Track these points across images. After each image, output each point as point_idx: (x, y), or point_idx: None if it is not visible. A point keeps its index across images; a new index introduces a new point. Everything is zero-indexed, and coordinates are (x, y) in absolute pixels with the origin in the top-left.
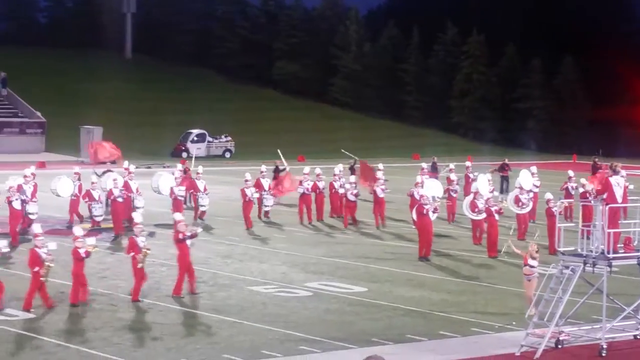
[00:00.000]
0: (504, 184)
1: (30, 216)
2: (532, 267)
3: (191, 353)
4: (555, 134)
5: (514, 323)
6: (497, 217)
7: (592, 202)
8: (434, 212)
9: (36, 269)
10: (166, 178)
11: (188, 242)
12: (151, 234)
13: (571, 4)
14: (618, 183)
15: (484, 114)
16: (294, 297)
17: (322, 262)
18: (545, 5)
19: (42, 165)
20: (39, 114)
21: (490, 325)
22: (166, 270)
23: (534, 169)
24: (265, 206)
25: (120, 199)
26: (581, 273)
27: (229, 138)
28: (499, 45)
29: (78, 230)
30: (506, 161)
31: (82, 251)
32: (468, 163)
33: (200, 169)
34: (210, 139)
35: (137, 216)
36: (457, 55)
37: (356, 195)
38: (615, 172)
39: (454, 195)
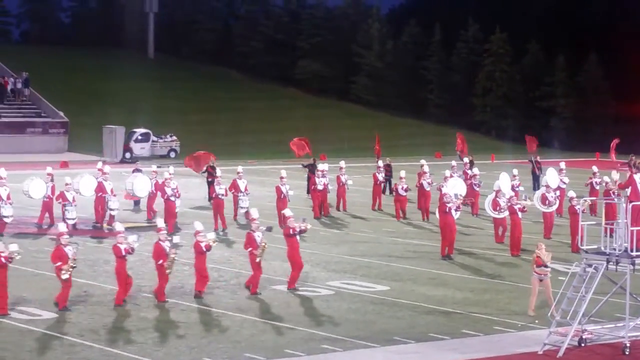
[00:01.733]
0: (535, 182)
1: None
2: (546, 267)
3: (214, 352)
4: (578, 132)
5: (536, 322)
6: (520, 215)
7: (616, 200)
8: (456, 210)
9: (160, 261)
10: (141, 179)
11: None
12: (269, 229)
13: (595, 0)
14: None
15: (507, 112)
16: (316, 296)
17: (345, 261)
18: (569, 2)
19: (65, 165)
20: (61, 113)
21: (513, 324)
22: (189, 270)
23: (562, 164)
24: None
25: (172, 198)
26: (604, 271)
27: (174, 137)
28: (522, 42)
29: (119, 225)
30: (538, 159)
31: (122, 247)
32: (466, 159)
33: (240, 168)
34: (155, 139)
35: (254, 212)
36: (479, 53)
37: (406, 190)
38: (639, 169)
39: (477, 189)
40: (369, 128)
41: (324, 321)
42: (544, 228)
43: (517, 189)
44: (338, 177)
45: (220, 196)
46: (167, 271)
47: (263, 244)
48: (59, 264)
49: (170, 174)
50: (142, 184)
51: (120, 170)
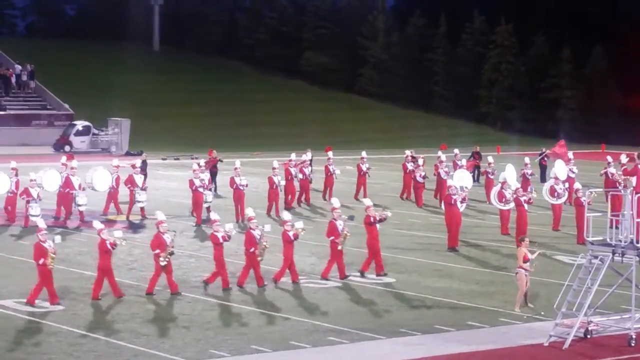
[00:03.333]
0: (543, 174)
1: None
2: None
3: (220, 344)
4: (584, 124)
5: (542, 313)
6: (526, 207)
7: (622, 191)
8: (462, 202)
9: (252, 249)
10: (101, 173)
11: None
12: (351, 218)
13: None
14: None
15: (513, 103)
16: (322, 288)
17: (350, 253)
18: None
19: (70, 157)
20: (67, 106)
21: (519, 316)
22: (195, 262)
23: (570, 154)
24: (138, 202)
25: (201, 189)
26: (610, 263)
27: (116, 130)
28: (528, 34)
29: (215, 215)
30: (544, 151)
31: (219, 235)
32: (456, 150)
33: (238, 162)
34: (96, 132)
35: (335, 202)
36: (485, 44)
37: (424, 177)
38: None
39: (491, 177)
40: (375, 120)
41: (330, 313)
42: (552, 220)
43: (528, 177)
44: (326, 167)
45: (241, 187)
46: (259, 258)
47: (345, 232)
48: (157, 251)
49: (200, 166)
50: (102, 179)
51: (124, 162)
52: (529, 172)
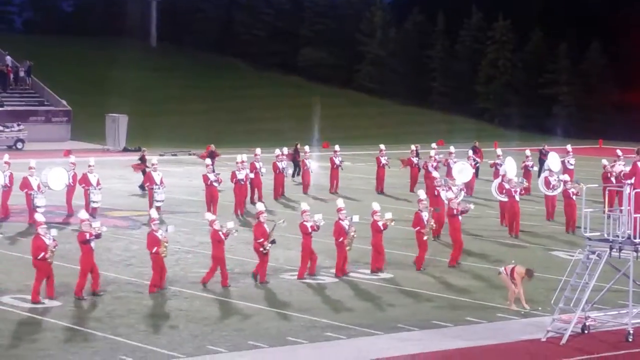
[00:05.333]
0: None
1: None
2: None
3: (217, 340)
4: (581, 120)
5: (539, 309)
6: (517, 197)
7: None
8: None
9: (340, 239)
10: (56, 172)
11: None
12: (436, 210)
13: None
14: None
15: (510, 99)
16: (319, 284)
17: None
18: None
19: (67, 153)
20: (64, 102)
21: (517, 311)
22: (192, 258)
23: (569, 147)
24: (94, 202)
25: (215, 184)
26: (607, 258)
27: (22, 127)
28: (525, 30)
29: (305, 205)
30: (545, 147)
31: (309, 225)
32: (452, 148)
33: (244, 156)
34: (0, 128)
35: (339, 202)
36: (482, 40)
37: (436, 168)
38: None
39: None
40: (373, 116)
41: (327, 309)
42: (546, 211)
43: (530, 169)
44: (331, 159)
45: (241, 182)
46: (347, 248)
47: (353, 234)
48: (261, 240)
49: (242, 161)
50: (57, 177)
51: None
52: (530, 164)
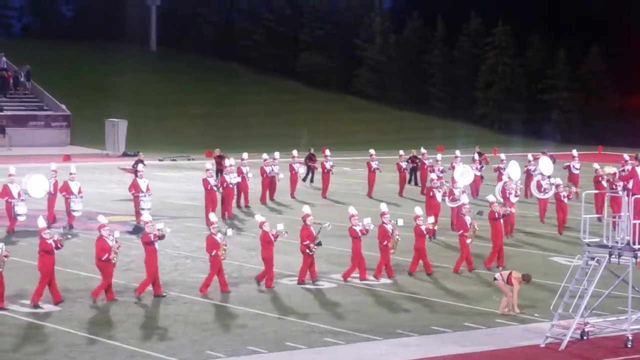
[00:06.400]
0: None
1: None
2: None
3: (216, 345)
4: (580, 125)
5: (536, 315)
6: (513, 200)
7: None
8: (443, 195)
9: (385, 242)
10: (36, 179)
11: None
12: (480, 213)
13: None
14: None
15: (509, 105)
16: (318, 289)
17: (346, 254)
18: None
19: (67, 158)
20: (63, 107)
21: (515, 317)
22: (191, 263)
23: (574, 152)
24: (74, 210)
25: (215, 188)
26: (606, 264)
27: None
28: (525, 35)
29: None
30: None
31: (357, 229)
32: (457, 152)
33: (232, 160)
34: None
35: (383, 206)
36: (481, 46)
37: (442, 171)
38: None
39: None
40: (372, 121)
41: (326, 314)
42: (539, 213)
43: (532, 173)
44: (322, 164)
45: (231, 185)
46: (392, 251)
47: (397, 237)
48: (307, 242)
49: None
50: (37, 184)
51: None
52: (533, 168)
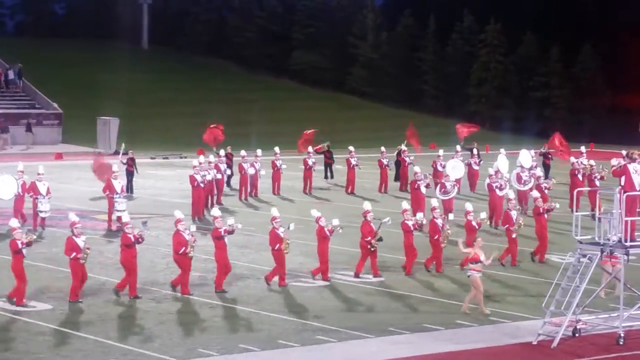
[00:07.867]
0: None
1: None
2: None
3: (208, 343)
4: (572, 123)
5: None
6: (498, 192)
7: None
8: (426, 187)
9: (436, 236)
10: (3, 180)
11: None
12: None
13: None
14: (636, 170)
15: (502, 102)
16: (310, 287)
17: (339, 252)
18: None
19: (59, 156)
20: (55, 105)
21: (508, 315)
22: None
23: (582, 148)
24: (41, 212)
25: (202, 185)
26: (598, 261)
27: None
28: (517, 33)
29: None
30: (550, 151)
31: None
32: (440, 152)
33: (211, 157)
34: None
35: (434, 202)
36: (474, 43)
37: (444, 166)
38: (633, 160)
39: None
40: (364, 119)
41: (319, 312)
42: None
43: (533, 170)
44: (304, 161)
45: (202, 185)
46: (443, 245)
47: (448, 231)
48: (368, 238)
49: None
50: (5, 186)
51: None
52: (534, 164)
